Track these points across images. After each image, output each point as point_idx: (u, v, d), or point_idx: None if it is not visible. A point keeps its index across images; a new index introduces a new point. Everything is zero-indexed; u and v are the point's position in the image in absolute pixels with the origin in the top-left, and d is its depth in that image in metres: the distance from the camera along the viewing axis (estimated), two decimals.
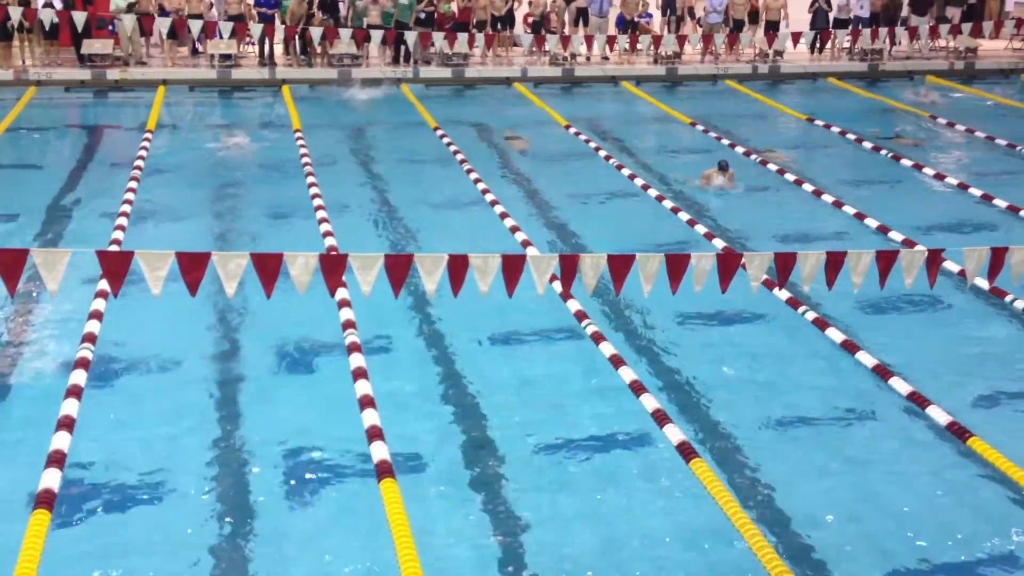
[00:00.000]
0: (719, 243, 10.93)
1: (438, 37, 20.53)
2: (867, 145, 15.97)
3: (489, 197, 12.62)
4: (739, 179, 13.58)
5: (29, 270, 6.47)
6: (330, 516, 6.31)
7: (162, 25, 19.69)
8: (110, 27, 20.29)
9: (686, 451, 6.75)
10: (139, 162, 13.96)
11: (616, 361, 8.02)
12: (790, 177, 13.96)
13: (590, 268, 6.98)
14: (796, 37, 22.01)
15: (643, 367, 8.24)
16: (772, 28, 22.33)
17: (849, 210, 12.38)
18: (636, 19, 22.68)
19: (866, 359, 8.27)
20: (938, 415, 7.39)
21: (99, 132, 17.05)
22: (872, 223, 11.81)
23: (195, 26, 19.84)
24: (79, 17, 19.11)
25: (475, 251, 6.87)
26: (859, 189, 13.49)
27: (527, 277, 6.94)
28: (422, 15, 21.17)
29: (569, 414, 7.56)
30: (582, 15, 22.71)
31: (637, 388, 7.59)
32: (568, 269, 6.96)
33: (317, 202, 12.19)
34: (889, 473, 6.91)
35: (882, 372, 8.06)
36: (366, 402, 7.20)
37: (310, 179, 13.29)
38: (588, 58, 22.34)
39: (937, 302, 9.58)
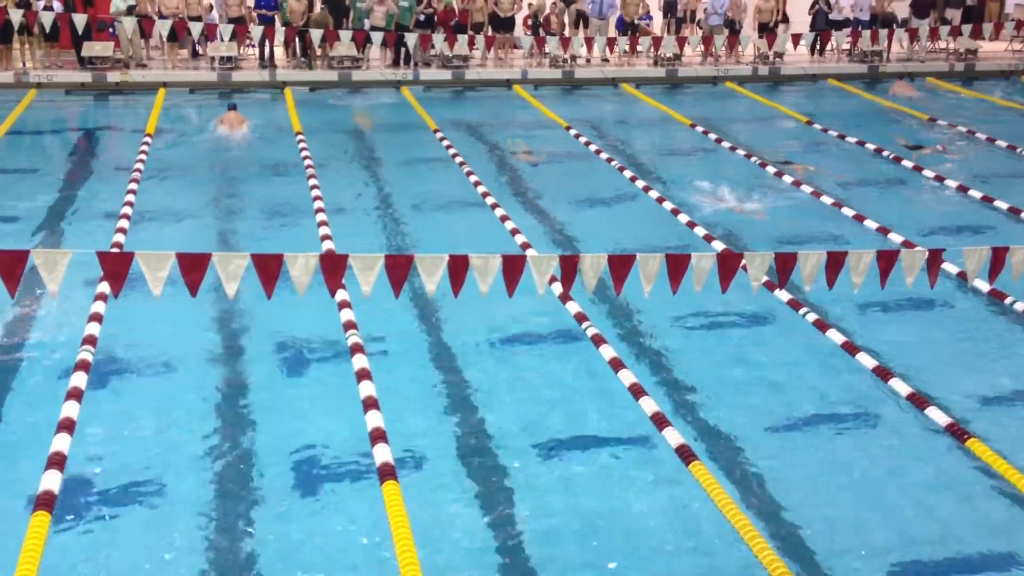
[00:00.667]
0: (719, 244, 10.93)
1: (438, 39, 20.56)
2: (869, 147, 15.97)
3: (489, 199, 12.62)
4: (736, 179, 13.58)
5: (30, 271, 6.47)
6: (332, 518, 6.30)
7: (162, 28, 19.72)
8: (110, 30, 20.31)
9: (685, 454, 6.75)
10: (139, 164, 13.97)
11: (616, 363, 8.02)
12: (788, 179, 13.96)
13: (590, 268, 6.98)
14: (796, 39, 22.03)
15: (643, 369, 8.24)
16: (766, 30, 22.31)
17: (848, 211, 12.38)
18: (636, 21, 22.70)
19: (866, 360, 8.27)
20: (938, 416, 7.39)
21: (100, 134, 17.06)
22: (872, 224, 11.82)
23: (195, 28, 19.86)
24: (79, 20, 19.13)
25: (475, 252, 6.88)
26: (859, 190, 13.48)
27: (527, 278, 6.94)
28: (422, 17, 21.19)
29: (569, 416, 7.55)
30: (582, 17, 22.73)
31: (636, 390, 7.58)
32: (568, 270, 6.96)
33: (318, 204, 12.20)
34: (888, 474, 6.91)
35: (882, 373, 8.06)
36: (369, 403, 7.20)
37: (311, 180, 13.30)
38: (588, 60, 22.35)
39: (937, 302, 9.58)
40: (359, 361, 7.85)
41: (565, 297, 8.90)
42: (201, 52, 21.43)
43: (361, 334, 8.29)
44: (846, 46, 23.45)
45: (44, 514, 5.88)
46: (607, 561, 5.94)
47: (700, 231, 11.44)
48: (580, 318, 8.82)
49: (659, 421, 7.16)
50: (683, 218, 11.97)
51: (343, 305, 8.71)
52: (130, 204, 12.07)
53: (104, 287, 8.50)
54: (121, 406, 7.59)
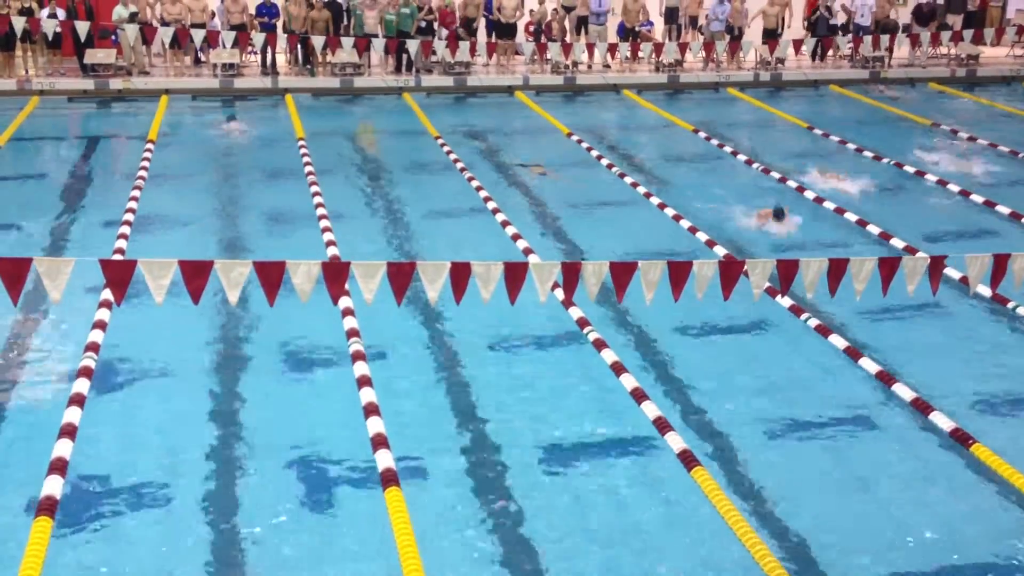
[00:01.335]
0: (720, 250, 10.94)
1: (440, 45, 20.59)
2: (868, 153, 15.98)
3: (491, 205, 12.63)
4: (738, 185, 13.58)
5: (32, 279, 6.49)
6: (334, 525, 6.31)
7: (165, 35, 19.75)
8: (113, 37, 20.35)
9: (688, 459, 6.75)
10: (142, 171, 13.99)
11: (618, 369, 8.03)
12: (792, 184, 13.97)
13: (592, 275, 6.98)
14: (797, 44, 22.04)
15: (645, 375, 8.24)
16: (770, 36, 22.35)
17: (851, 216, 12.39)
18: (637, 27, 22.72)
19: (869, 366, 8.27)
20: (941, 421, 7.39)
21: (102, 141, 17.08)
22: (874, 230, 11.82)
23: (197, 36, 19.89)
24: (82, 27, 19.17)
25: (477, 259, 6.89)
26: (861, 196, 13.48)
27: (529, 285, 6.95)
28: (423, 23, 21.22)
29: (571, 422, 7.56)
30: (583, 23, 22.76)
31: (639, 396, 7.59)
32: (570, 277, 6.97)
33: (320, 211, 12.22)
34: (892, 480, 6.91)
35: (885, 379, 8.06)
36: (370, 410, 7.20)
37: (313, 187, 13.32)
38: (590, 66, 22.37)
39: (940, 309, 9.58)
40: (361, 368, 7.86)
41: (567, 303, 8.90)
42: (203, 59, 21.46)
43: (363, 341, 8.29)
44: (847, 51, 23.46)
45: (46, 519, 5.89)
46: (610, 566, 5.93)
47: (702, 237, 11.45)
48: (582, 324, 8.82)
49: (661, 426, 7.16)
50: (685, 224, 11.97)
51: (346, 312, 8.72)
52: (132, 211, 12.09)
53: (107, 294, 8.52)
54: (123, 413, 7.60)
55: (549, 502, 6.55)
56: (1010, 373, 8.50)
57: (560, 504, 6.54)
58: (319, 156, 15.15)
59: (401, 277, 6.80)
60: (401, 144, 16.82)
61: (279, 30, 20.79)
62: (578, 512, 6.46)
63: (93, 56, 19.81)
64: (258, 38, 20.19)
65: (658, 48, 21.72)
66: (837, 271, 7.21)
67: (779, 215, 12.25)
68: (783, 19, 22.61)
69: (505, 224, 11.82)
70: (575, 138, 16.80)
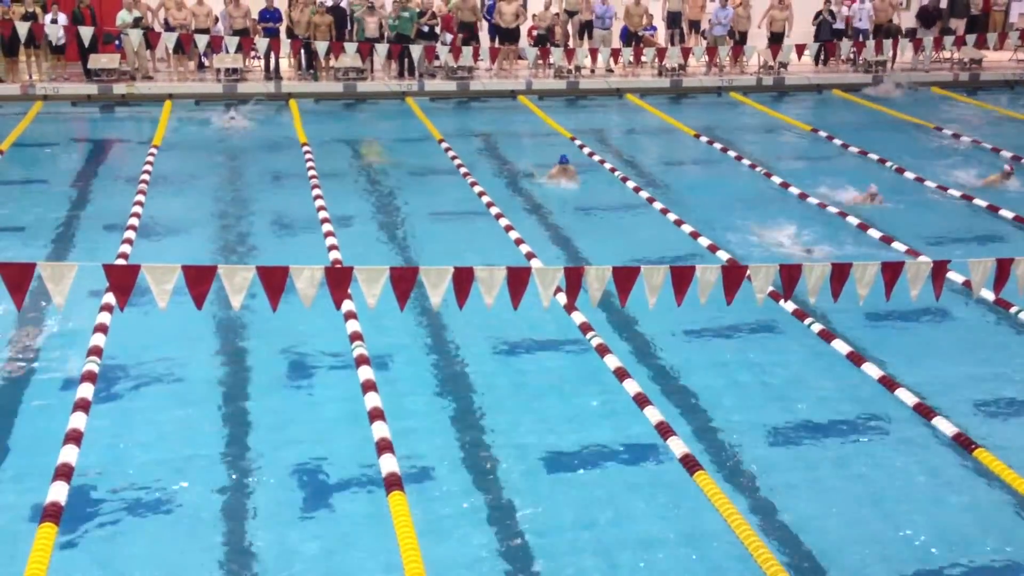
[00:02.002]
0: (723, 255, 10.93)
1: (443, 50, 20.62)
2: (872, 156, 15.98)
3: (494, 210, 12.64)
4: (741, 189, 13.57)
5: (36, 284, 6.50)
6: (338, 529, 6.31)
7: (168, 40, 19.79)
8: (116, 42, 20.39)
9: (690, 464, 6.75)
10: (145, 176, 14.02)
11: (621, 373, 8.03)
12: (794, 190, 13.97)
13: (595, 280, 6.98)
14: (800, 49, 22.05)
15: (648, 379, 8.24)
16: (776, 40, 22.38)
17: (853, 221, 12.39)
18: (640, 32, 22.73)
19: (872, 370, 8.26)
20: (944, 426, 7.38)
21: (106, 146, 17.12)
22: (875, 234, 11.82)
23: (201, 41, 19.93)
24: (86, 32, 19.21)
25: (480, 263, 6.89)
26: (863, 198, 13.48)
27: (532, 289, 6.95)
28: (425, 28, 21.24)
29: (574, 426, 7.56)
30: (586, 28, 22.78)
31: (641, 400, 7.59)
32: (573, 281, 6.97)
33: (323, 215, 12.23)
34: (895, 484, 6.91)
35: (888, 383, 8.05)
36: (375, 415, 7.21)
37: (316, 191, 13.33)
38: (592, 71, 22.38)
39: (943, 313, 9.57)
40: (365, 372, 7.87)
41: (570, 308, 8.91)
42: (207, 64, 21.50)
43: (367, 345, 8.30)
44: (850, 56, 23.48)
45: (51, 525, 5.89)
46: (613, 571, 5.93)
47: (704, 241, 11.45)
48: (585, 328, 8.83)
49: (664, 431, 7.16)
50: (687, 229, 11.97)
51: (349, 317, 8.72)
52: (136, 215, 12.11)
53: (110, 299, 8.54)
54: (126, 417, 7.60)
55: (552, 507, 6.55)
56: (1014, 377, 8.49)
57: (563, 508, 6.53)
58: (322, 160, 15.17)
59: (404, 282, 6.80)
60: (404, 149, 16.83)
61: (282, 35, 20.82)
62: (581, 516, 6.45)
63: (97, 61, 19.86)
64: (261, 43, 20.23)
65: (661, 52, 21.74)
66: (840, 276, 7.21)
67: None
68: (788, 23, 22.62)
69: (508, 229, 11.82)
70: (578, 143, 16.81)
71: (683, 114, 19.91)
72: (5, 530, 6.18)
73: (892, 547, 6.21)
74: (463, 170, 14.75)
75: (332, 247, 11.02)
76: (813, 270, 7.19)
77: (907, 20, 24.51)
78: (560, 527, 6.34)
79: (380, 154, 14.38)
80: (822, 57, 23.50)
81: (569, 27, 22.81)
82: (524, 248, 11.02)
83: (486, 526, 6.35)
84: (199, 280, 6.58)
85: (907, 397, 7.81)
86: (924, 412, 7.60)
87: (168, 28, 20.24)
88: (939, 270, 7.40)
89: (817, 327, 9.03)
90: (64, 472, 6.41)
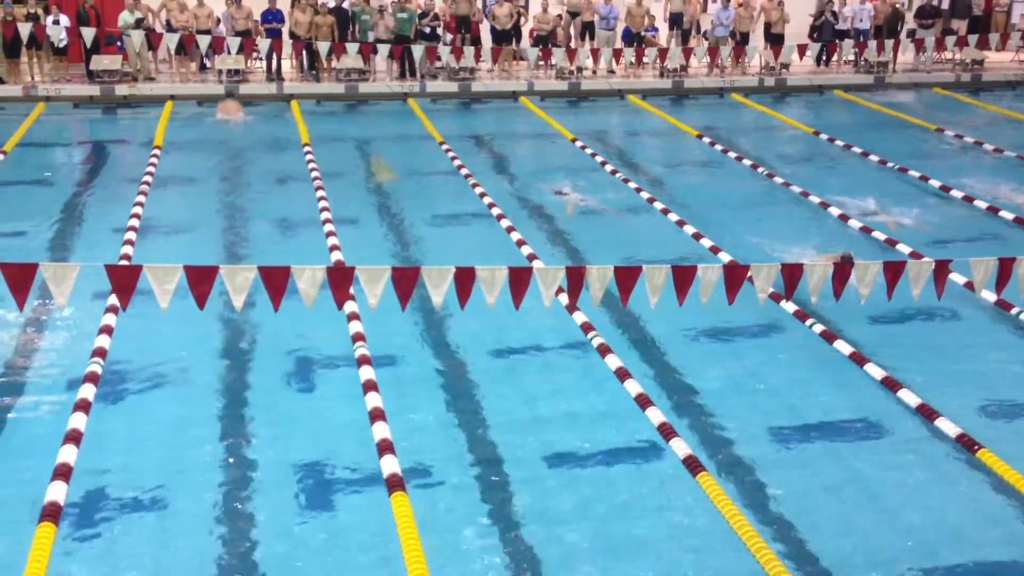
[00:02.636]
0: (724, 255, 10.93)
1: (444, 51, 20.63)
2: (873, 158, 15.97)
3: (495, 211, 12.64)
4: (742, 190, 13.53)
5: (38, 284, 6.50)
6: (340, 530, 6.31)
7: (170, 41, 19.81)
8: (118, 43, 20.41)
9: (692, 465, 6.74)
10: (147, 177, 14.03)
11: (622, 374, 8.02)
12: (796, 189, 13.96)
13: (596, 280, 6.98)
14: (802, 49, 22.05)
15: (649, 380, 8.23)
16: (776, 41, 22.38)
17: (855, 223, 12.38)
18: (642, 33, 22.74)
19: (874, 371, 8.26)
20: (947, 427, 7.38)
21: (108, 147, 17.12)
22: (879, 236, 11.81)
23: (203, 42, 19.94)
24: (88, 33, 19.23)
25: (481, 264, 6.89)
26: (865, 202, 13.47)
27: (534, 289, 6.95)
28: (427, 30, 21.25)
29: (575, 426, 7.55)
30: (588, 29, 22.79)
31: (643, 401, 7.58)
32: (575, 281, 6.97)
33: (325, 216, 12.24)
34: (898, 485, 6.90)
35: (890, 384, 8.04)
36: (376, 415, 7.21)
37: (318, 192, 13.34)
38: (594, 72, 22.40)
39: (945, 313, 9.57)
40: (366, 372, 7.87)
41: (571, 308, 8.91)
42: (209, 65, 21.52)
43: (368, 345, 8.30)
44: (851, 57, 23.49)
45: (49, 525, 5.89)
46: (615, 572, 5.93)
47: (706, 242, 11.45)
48: (586, 328, 8.82)
49: (666, 431, 7.16)
50: (689, 229, 11.97)
51: (351, 317, 8.73)
52: (138, 216, 12.12)
53: (112, 300, 8.54)
54: (128, 418, 7.60)
55: (553, 507, 6.55)
56: (1016, 377, 8.48)
57: (564, 509, 6.53)
58: (324, 161, 15.18)
59: (405, 282, 6.81)
60: (405, 150, 16.84)
61: (284, 36, 20.84)
62: (582, 517, 6.45)
63: (99, 62, 19.89)
64: (263, 44, 20.25)
65: (663, 53, 21.75)
66: (842, 276, 7.20)
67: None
68: (784, 22, 22.64)
69: (509, 229, 11.82)
70: (579, 143, 16.81)
71: (685, 115, 19.92)
72: (5, 529, 6.17)
73: (896, 548, 6.20)
74: (464, 171, 14.76)
75: (334, 247, 11.02)
76: (815, 270, 7.19)
77: (908, 21, 24.49)
78: (561, 527, 6.33)
79: (390, 171, 14.34)
80: (823, 58, 23.49)
81: (571, 28, 22.82)
82: (526, 249, 11.02)
83: (488, 526, 6.35)
84: (201, 280, 6.58)
85: (909, 398, 7.80)
86: (927, 413, 7.59)
87: (170, 29, 20.27)
88: (941, 270, 7.39)
89: (819, 327, 9.02)
90: (63, 472, 6.41)
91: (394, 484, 6.38)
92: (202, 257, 10.54)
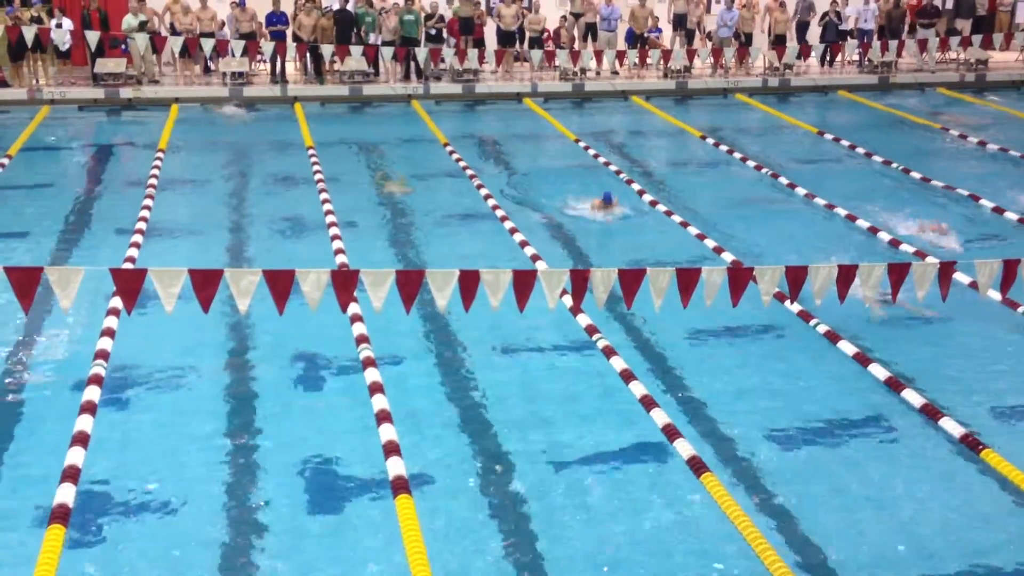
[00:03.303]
0: (728, 257, 10.93)
1: (448, 53, 20.65)
2: (877, 158, 15.96)
3: (499, 212, 12.65)
4: (747, 191, 13.54)
5: (43, 288, 6.52)
6: (345, 532, 6.32)
7: (174, 44, 19.85)
8: (123, 46, 20.45)
9: (697, 465, 6.75)
10: (152, 179, 14.06)
11: (627, 376, 8.03)
12: (801, 191, 13.96)
13: (601, 283, 6.99)
14: (806, 50, 22.03)
15: (654, 381, 8.24)
16: (780, 42, 22.38)
17: (863, 224, 12.37)
18: (646, 34, 22.74)
19: (879, 371, 8.25)
20: (952, 427, 7.37)
21: (112, 150, 17.15)
22: (885, 236, 11.80)
23: (207, 45, 19.98)
24: (92, 37, 19.26)
25: (486, 266, 6.90)
26: (871, 202, 13.46)
27: (538, 292, 6.96)
28: (432, 31, 21.28)
29: (580, 428, 7.56)
30: (591, 30, 22.79)
31: (648, 403, 7.59)
32: (579, 284, 6.98)
33: (329, 218, 12.25)
34: (902, 485, 6.89)
35: (895, 384, 8.04)
36: (381, 417, 7.22)
37: (322, 195, 13.36)
38: (598, 73, 22.40)
39: (950, 314, 9.55)
40: (371, 375, 7.88)
41: (576, 310, 8.91)
42: (213, 68, 21.56)
43: (373, 348, 8.31)
44: (855, 57, 23.47)
45: (59, 527, 5.92)
46: (620, 571, 5.93)
47: (710, 243, 11.44)
48: (591, 331, 8.83)
49: (671, 433, 7.16)
50: (693, 231, 11.97)
51: (355, 319, 8.74)
52: (144, 219, 12.15)
53: (117, 303, 8.56)
54: (134, 420, 7.62)
55: (558, 509, 6.55)
56: (1020, 377, 8.47)
57: (569, 511, 6.53)
58: (328, 164, 15.20)
59: (410, 285, 6.82)
60: (410, 151, 16.86)
61: (288, 39, 20.87)
62: (587, 518, 6.45)
63: (103, 65, 19.93)
64: (267, 46, 20.28)
65: (666, 54, 21.75)
66: (846, 277, 7.20)
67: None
68: (788, 24, 22.64)
69: (513, 231, 11.83)
70: (582, 144, 16.82)
71: (689, 116, 19.92)
72: (14, 531, 6.19)
73: (899, 549, 6.20)
74: (468, 172, 14.77)
75: (338, 250, 11.04)
76: (819, 272, 7.19)
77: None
78: (566, 529, 6.34)
79: (402, 183, 14.37)
80: (827, 58, 23.48)
81: (575, 30, 22.83)
82: (529, 251, 11.03)
83: (492, 528, 6.35)
84: (205, 284, 6.60)
85: (914, 398, 7.79)
86: (931, 413, 7.59)
87: (174, 32, 20.31)
88: (946, 271, 7.39)
89: (823, 328, 9.02)
90: (71, 474, 6.43)
91: (399, 486, 6.39)
92: (206, 260, 10.56)
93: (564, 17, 22.85)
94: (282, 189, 14.27)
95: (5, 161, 15.15)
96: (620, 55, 21.67)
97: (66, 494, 6.23)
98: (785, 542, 6.19)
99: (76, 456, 6.64)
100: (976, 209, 13.28)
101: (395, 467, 6.61)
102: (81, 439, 6.86)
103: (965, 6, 24.39)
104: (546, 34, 22.78)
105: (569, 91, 21.60)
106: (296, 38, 20.88)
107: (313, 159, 15.43)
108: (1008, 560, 6.09)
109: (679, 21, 22.97)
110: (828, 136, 17.76)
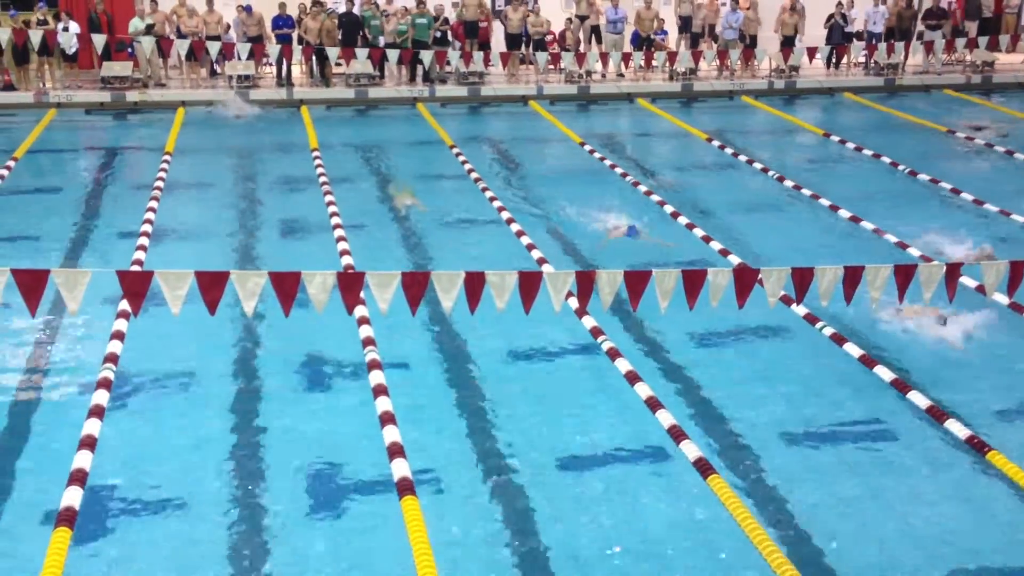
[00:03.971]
0: (734, 259, 10.92)
1: (454, 56, 20.67)
2: (885, 160, 15.94)
3: (505, 215, 12.65)
4: (753, 193, 13.52)
5: (50, 290, 6.53)
6: (350, 534, 6.33)
7: (181, 47, 19.90)
8: (129, 50, 20.51)
9: (703, 467, 6.74)
10: (159, 182, 14.08)
11: (632, 377, 8.02)
12: (807, 192, 13.94)
13: (606, 284, 6.99)
14: (812, 52, 22.02)
15: (659, 383, 8.23)
16: (787, 44, 22.37)
17: (868, 225, 12.35)
18: (651, 36, 22.75)
19: (884, 373, 8.24)
20: (957, 429, 7.36)
21: (119, 153, 17.20)
22: (891, 238, 11.78)
23: (213, 48, 20.03)
24: (99, 40, 19.32)
25: (491, 268, 6.90)
26: (877, 204, 13.44)
27: (544, 294, 6.96)
28: (438, 34, 21.31)
29: (585, 430, 7.56)
30: (596, 32, 22.81)
31: (653, 404, 7.58)
32: (584, 285, 6.97)
33: (335, 220, 12.27)
34: (907, 487, 6.89)
35: (900, 386, 8.03)
36: (387, 419, 7.22)
37: (328, 197, 13.38)
38: (604, 75, 22.40)
39: (955, 317, 9.52)
40: (377, 377, 7.88)
41: (581, 312, 8.91)
42: (219, 71, 21.60)
43: (379, 350, 8.32)
44: (861, 59, 23.46)
45: (65, 530, 5.92)
46: (626, 573, 5.94)
47: (716, 245, 11.43)
48: (596, 333, 8.82)
49: (676, 435, 7.15)
50: (699, 232, 11.96)
51: (361, 321, 8.74)
52: (150, 222, 12.17)
53: (124, 305, 8.57)
54: (141, 423, 7.64)
55: (564, 510, 6.55)
56: None
57: (575, 512, 6.53)
58: (334, 166, 15.22)
59: (416, 287, 6.82)
60: (415, 154, 16.88)
61: (294, 42, 20.92)
62: (593, 520, 6.45)
63: (110, 69, 19.98)
64: (273, 50, 20.32)
65: (672, 57, 21.75)
66: (853, 279, 7.19)
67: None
68: (798, 27, 22.62)
69: (519, 234, 11.83)
70: (588, 147, 16.82)
71: (694, 118, 19.92)
72: (21, 534, 6.21)
73: (903, 550, 6.19)
74: (474, 175, 14.78)
75: (344, 252, 11.05)
76: (825, 274, 7.17)
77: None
78: (572, 531, 6.34)
79: (413, 195, 14.41)
80: (833, 60, 23.46)
81: (580, 32, 22.84)
82: (535, 253, 11.03)
83: (498, 529, 6.35)
84: (212, 286, 6.61)
85: (919, 400, 7.78)
86: (936, 415, 7.57)
87: (180, 36, 20.36)
88: (952, 273, 7.38)
89: (829, 330, 9.00)
90: (78, 477, 6.44)
91: (404, 488, 6.39)
92: (213, 262, 10.59)
93: (569, 20, 22.86)
94: (288, 191, 14.30)
95: (12, 164, 15.19)
96: (626, 58, 21.68)
97: (72, 497, 6.23)
98: (791, 543, 6.18)
99: (83, 459, 6.64)
100: (981, 210, 13.25)
101: (400, 468, 6.60)
102: (88, 443, 6.85)
103: (971, 8, 24.37)
104: (552, 37, 22.81)
105: (575, 93, 21.61)
106: (302, 41, 20.92)
107: (318, 162, 15.45)
108: (1017, 562, 6.07)
109: (685, 23, 22.97)
110: (834, 138, 17.74)
